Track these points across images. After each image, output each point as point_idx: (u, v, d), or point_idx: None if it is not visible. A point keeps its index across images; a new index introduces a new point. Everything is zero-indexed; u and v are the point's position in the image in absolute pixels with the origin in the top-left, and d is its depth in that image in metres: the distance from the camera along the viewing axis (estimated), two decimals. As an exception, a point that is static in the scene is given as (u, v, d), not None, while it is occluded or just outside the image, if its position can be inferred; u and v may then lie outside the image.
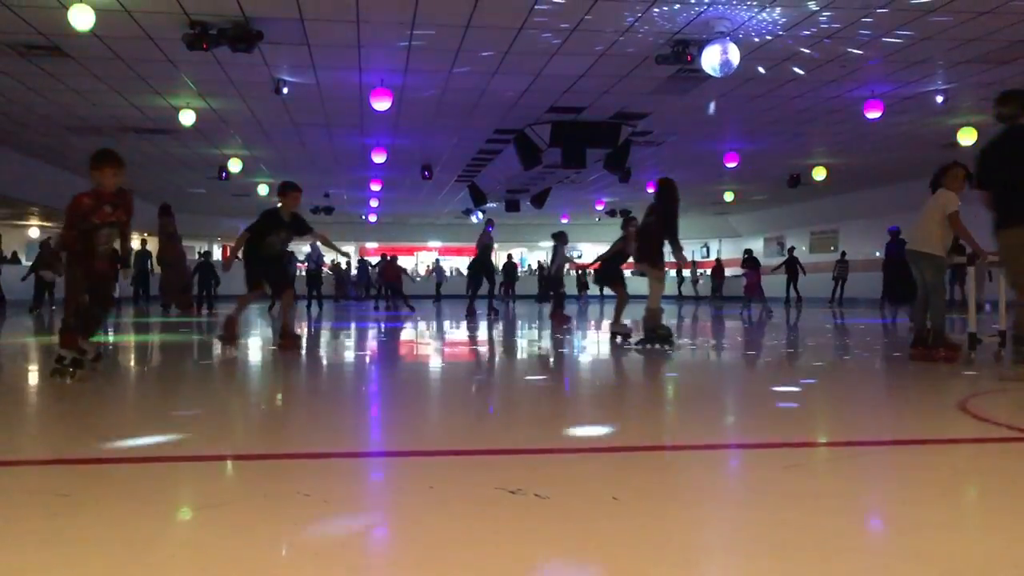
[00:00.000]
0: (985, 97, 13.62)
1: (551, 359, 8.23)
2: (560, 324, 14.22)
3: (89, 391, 5.35)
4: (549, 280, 16.59)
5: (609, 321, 11.86)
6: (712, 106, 14.43)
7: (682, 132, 16.93)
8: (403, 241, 39.12)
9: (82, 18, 9.19)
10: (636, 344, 9.08)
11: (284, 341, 8.60)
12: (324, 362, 8.23)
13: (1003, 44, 10.79)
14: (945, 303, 7.52)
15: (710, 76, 10.92)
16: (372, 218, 35.07)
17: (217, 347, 8.77)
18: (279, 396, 5.66)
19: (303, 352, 8.66)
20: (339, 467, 3.28)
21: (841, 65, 11.86)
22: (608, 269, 11.35)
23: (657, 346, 8.78)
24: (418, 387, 6.24)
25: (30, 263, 21.19)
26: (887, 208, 26.03)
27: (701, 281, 32.91)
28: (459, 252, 39.30)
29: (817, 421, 4.64)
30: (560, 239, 15.81)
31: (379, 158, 18.27)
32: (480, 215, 30.36)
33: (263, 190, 25.24)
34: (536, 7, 9.52)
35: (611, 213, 31.68)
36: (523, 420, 4.61)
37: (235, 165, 19.76)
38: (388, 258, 22.99)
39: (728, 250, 35.91)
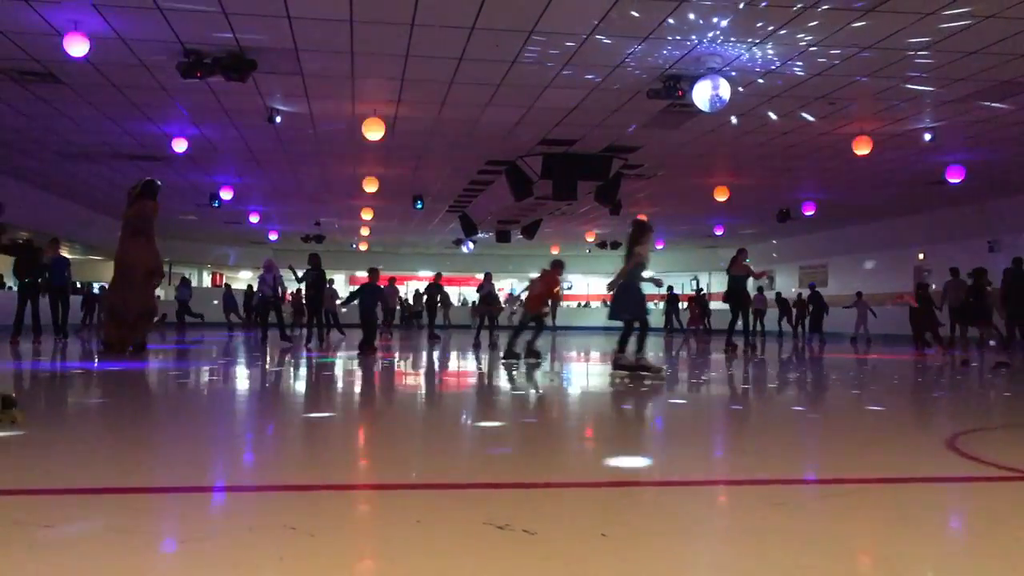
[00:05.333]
0: (972, 135, 13.80)
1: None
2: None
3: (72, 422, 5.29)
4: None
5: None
6: None
7: (673, 166, 17.04)
8: (393, 270, 39.15)
9: (77, 46, 9.23)
10: None
11: None
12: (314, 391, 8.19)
13: (990, 84, 10.94)
14: None
15: (701, 111, 11.02)
16: (363, 247, 35.07)
17: None
18: (268, 427, 5.62)
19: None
20: (325, 500, 3.25)
21: (830, 102, 11.99)
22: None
23: None
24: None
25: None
26: (875, 243, 26.25)
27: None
28: (449, 283, 39.27)
29: (806, 457, 4.63)
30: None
31: (370, 187, 18.32)
32: (471, 245, 30.44)
33: (254, 218, 25.28)
34: (529, 41, 9.61)
35: (601, 245, 31.77)
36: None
37: (227, 192, 19.79)
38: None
39: (717, 283, 36.02)
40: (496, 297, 17.88)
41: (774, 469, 4.09)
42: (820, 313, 23.11)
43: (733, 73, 10.55)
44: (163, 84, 11.41)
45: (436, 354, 14.73)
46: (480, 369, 11.23)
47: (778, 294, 27.20)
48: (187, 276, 30.27)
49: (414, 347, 17.28)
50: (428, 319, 21.55)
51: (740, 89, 11.04)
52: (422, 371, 11.20)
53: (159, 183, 12.27)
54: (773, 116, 12.93)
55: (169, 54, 10.11)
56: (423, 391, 8.43)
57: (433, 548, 2.52)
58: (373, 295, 14.14)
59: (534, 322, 12.44)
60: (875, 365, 13.06)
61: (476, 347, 16.65)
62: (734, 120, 12.90)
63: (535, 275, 13.50)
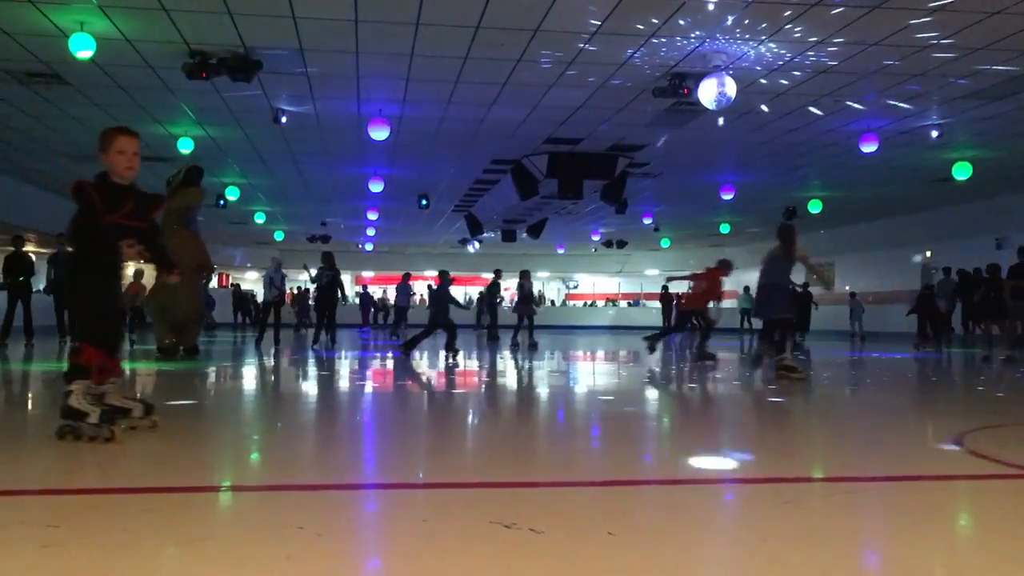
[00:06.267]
0: (980, 132, 13.74)
1: None
2: None
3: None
4: None
5: None
6: None
7: (679, 164, 17.01)
8: (399, 270, 39.14)
9: (83, 47, 9.24)
10: None
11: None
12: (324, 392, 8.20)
13: (997, 80, 10.89)
14: None
15: (707, 109, 10.99)
16: (368, 247, 35.09)
17: None
18: (278, 426, 5.62)
19: None
20: (333, 499, 3.25)
21: (836, 99, 11.95)
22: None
23: None
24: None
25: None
26: (882, 241, 26.17)
27: None
28: (455, 282, 39.26)
29: (814, 455, 4.62)
30: None
31: (376, 187, 18.33)
32: (476, 245, 30.41)
33: (260, 218, 25.30)
34: (534, 40, 9.60)
35: (607, 244, 31.71)
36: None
37: (233, 193, 19.82)
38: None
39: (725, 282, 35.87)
40: (534, 296, 17.28)
41: (782, 467, 4.08)
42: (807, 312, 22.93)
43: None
44: (169, 85, 11.43)
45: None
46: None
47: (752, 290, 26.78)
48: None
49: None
50: (490, 320, 21.09)
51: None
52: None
53: (202, 167, 11.63)
54: (767, 111, 12.92)
55: (175, 55, 10.12)
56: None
57: (440, 547, 2.52)
58: (444, 297, 13.52)
59: (699, 320, 12.25)
60: (877, 363, 13.03)
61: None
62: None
63: (700, 271, 13.23)
